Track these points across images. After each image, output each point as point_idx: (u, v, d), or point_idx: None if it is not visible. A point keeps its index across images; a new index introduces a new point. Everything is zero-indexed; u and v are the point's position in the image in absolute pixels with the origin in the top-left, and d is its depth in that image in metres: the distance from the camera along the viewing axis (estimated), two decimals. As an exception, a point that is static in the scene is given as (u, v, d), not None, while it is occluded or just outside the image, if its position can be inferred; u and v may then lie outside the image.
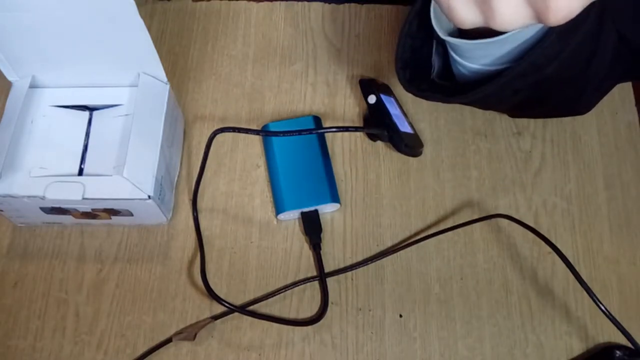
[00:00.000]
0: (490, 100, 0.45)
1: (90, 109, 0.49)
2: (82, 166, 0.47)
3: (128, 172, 0.43)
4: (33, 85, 0.48)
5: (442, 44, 0.47)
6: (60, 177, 0.45)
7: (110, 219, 0.49)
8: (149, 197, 0.45)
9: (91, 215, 0.48)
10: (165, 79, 0.48)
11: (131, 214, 0.47)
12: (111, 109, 0.49)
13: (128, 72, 0.48)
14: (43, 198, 0.44)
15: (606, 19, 0.41)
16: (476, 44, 0.39)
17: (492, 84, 0.40)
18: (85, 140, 0.48)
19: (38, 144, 0.47)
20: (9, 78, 0.48)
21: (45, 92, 0.49)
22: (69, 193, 0.44)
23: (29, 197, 0.44)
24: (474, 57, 0.42)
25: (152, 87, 0.48)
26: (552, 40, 0.37)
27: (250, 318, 0.48)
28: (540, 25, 0.37)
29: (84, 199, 0.44)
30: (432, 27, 0.42)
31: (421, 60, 0.47)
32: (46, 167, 0.46)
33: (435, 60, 0.48)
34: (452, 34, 0.41)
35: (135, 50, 0.45)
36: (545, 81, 0.41)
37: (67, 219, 0.49)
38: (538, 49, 0.37)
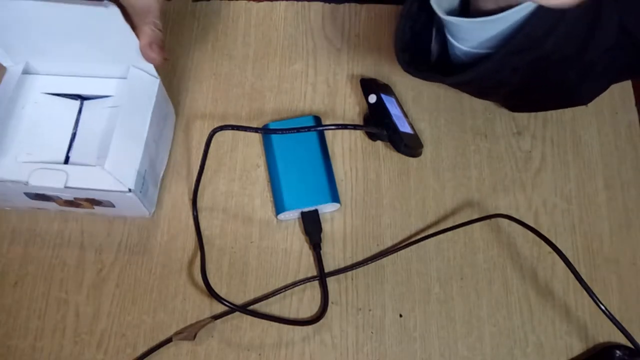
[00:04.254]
0: (488, 81, 0.45)
1: (83, 98, 0.49)
2: (69, 154, 0.47)
3: (109, 165, 0.44)
4: (26, 72, 0.49)
5: (440, 30, 0.47)
6: (45, 164, 0.45)
7: (93, 208, 0.49)
8: (130, 190, 0.45)
9: (74, 203, 0.48)
10: (155, 73, 0.48)
11: (113, 205, 0.48)
12: (101, 99, 0.49)
13: (119, 65, 0.48)
14: (26, 184, 0.44)
15: (607, 2, 0.41)
16: (475, 22, 0.40)
17: (490, 60, 0.40)
18: (74, 129, 0.48)
19: (27, 130, 0.47)
20: (4, 63, 0.48)
21: (38, 78, 0.49)
22: (52, 180, 0.44)
23: (12, 181, 0.44)
24: (471, 38, 0.42)
25: (142, 80, 0.48)
26: (545, 10, 0.37)
27: (250, 318, 0.48)
28: (533, 6, 0.38)
29: (65, 187, 0.44)
30: (432, 12, 0.43)
31: (421, 44, 0.48)
32: (33, 153, 0.46)
33: (435, 48, 0.48)
34: (452, 14, 0.42)
35: (125, 46, 0.46)
36: (544, 59, 0.41)
37: (51, 206, 0.49)
38: (533, 19, 0.38)
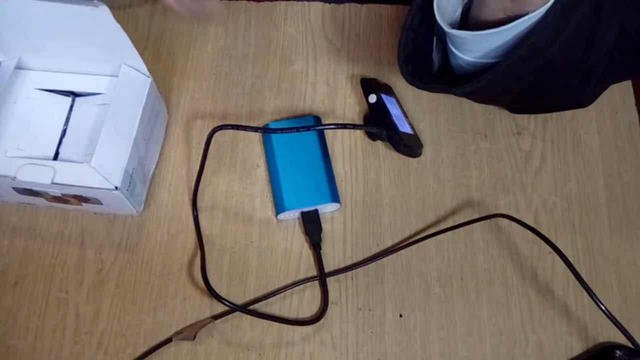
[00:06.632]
0: (493, 90, 0.45)
1: (75, 95, 0.50)
2: (59, 150, 0.47)
3: (96, 162, 0.44)
4: (19, 67, 0.49)
5: (441, 40, 0.47)
6: (34, 160, 0.45)
7: (81, 205, 0.49)
8: (116, 188, 0.45)
9: (62, 200, 0.48)
10: (147, 72, 0.48)
11: (100, 203, 0.48)
12: (93, 96, 0.49)
13: (111, 62, 0.48)
14: (14, 179, 0.44)
15: (605, 5, 0.41)
16: (480, 34, 0.40)
17: (495, 69, 0.40)
18: (64, 125, 0.48)
19: (18, 125, 0.48)
20: None
21: (31, 74, 0.50)
22: (39, 176, 0.44)
23: (0, 176, 0.45)
24: (475, 49, 0.42)
25: (133, 78, 0.48)
26: (550, 20, 0.37)
27: (250, 318, 0.48)
28: (539, 15, 0.38)
29: (52, 183, 0.44)
30: (433, 22, 0.43)
31: (423, 54, 0.48)
32: (23, 148, 0.47)
33: (436, 57, 0.48)
34: (453, 27, 0.42)
35: (117, 45, 0.46)
36: (548, 66, 0.41)
37: (39, 201, 0.49)
38: (538, 29, 0.38)
